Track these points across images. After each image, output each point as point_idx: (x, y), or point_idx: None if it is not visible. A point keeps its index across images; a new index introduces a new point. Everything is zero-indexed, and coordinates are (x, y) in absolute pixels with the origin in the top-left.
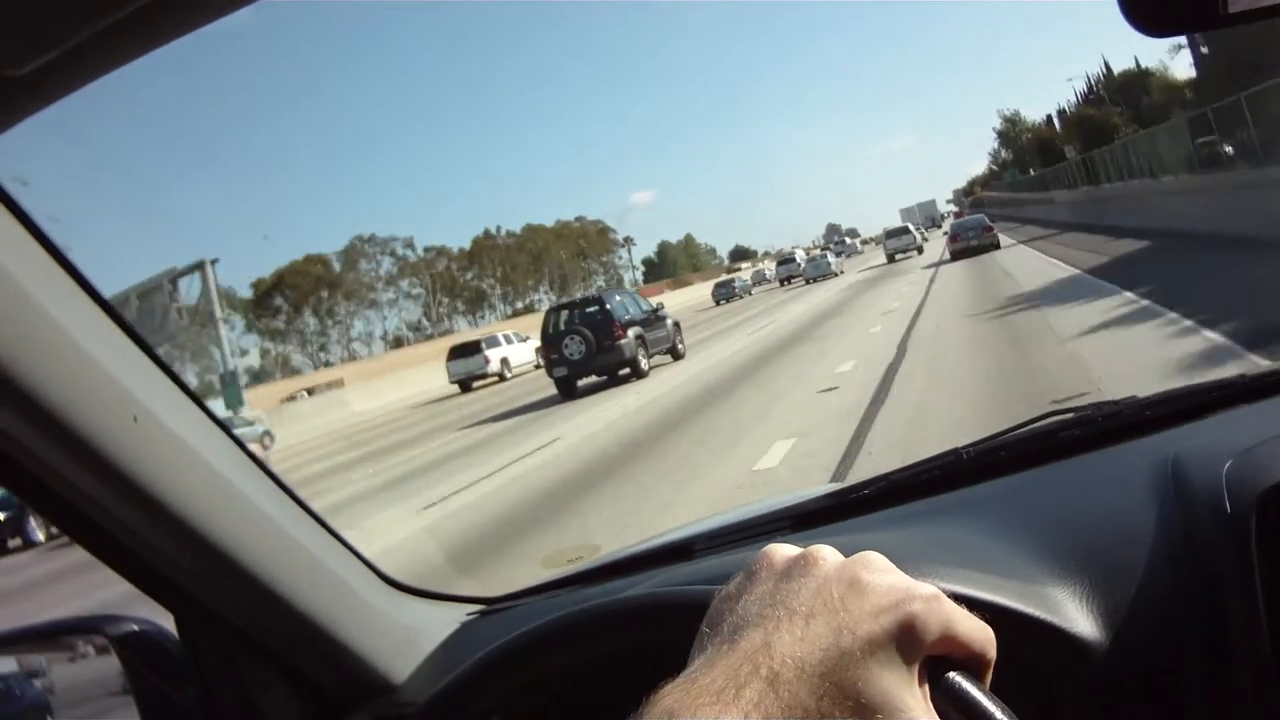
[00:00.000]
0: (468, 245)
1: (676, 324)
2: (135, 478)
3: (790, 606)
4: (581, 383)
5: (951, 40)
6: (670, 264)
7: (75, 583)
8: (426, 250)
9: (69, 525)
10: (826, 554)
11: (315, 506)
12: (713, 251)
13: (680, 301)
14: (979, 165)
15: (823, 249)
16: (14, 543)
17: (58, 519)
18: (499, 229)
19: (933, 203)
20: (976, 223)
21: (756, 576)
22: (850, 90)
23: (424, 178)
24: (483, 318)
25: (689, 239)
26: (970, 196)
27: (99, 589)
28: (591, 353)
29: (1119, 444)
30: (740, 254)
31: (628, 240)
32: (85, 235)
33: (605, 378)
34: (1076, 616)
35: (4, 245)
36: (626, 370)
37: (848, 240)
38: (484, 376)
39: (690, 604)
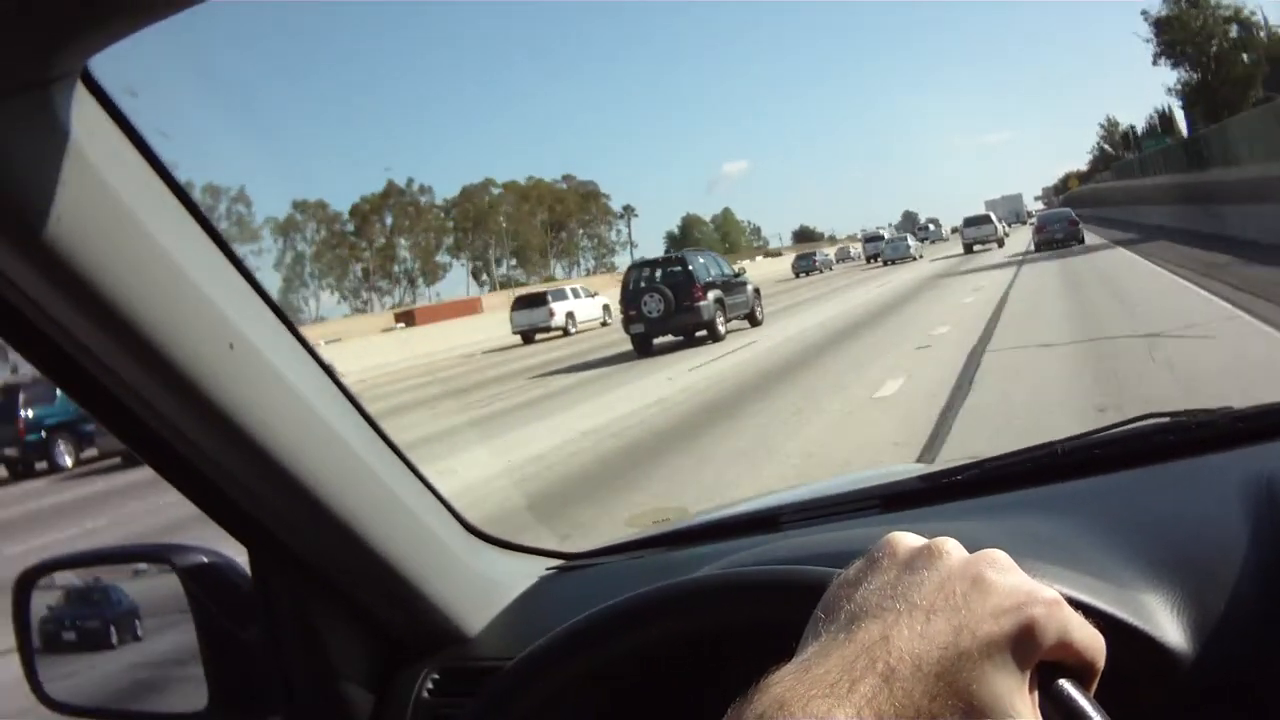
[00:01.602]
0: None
1: (756, 290)
2: (226, 407)
3: (911, 600)
4: (657, 341)
5: (1065, 39)
6: (694, 243)
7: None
8: (297, 206)
9: (148, 452)
10: (951, 547)
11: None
12: (757, 231)
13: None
14: (1074, 164)
15: (906, 233)
16: (40, 465)
17: (137, 444)
18: (410, 183)
19: (1019, 197)
20: (1062, 216)
21: (878, 565)
22: (956, 81)
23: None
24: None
25: (727, 214)
26: (1062, 194)
27: (131, 521)
28: (670, 312)
29: (1214, 453)
30: (805, 235)
31: (627, 210)
32: (194, 153)
33: (681, 338)
34: (1167, 626)
35: (108, 158)
36: (703, 332)
37: (931, 227)
38: (548, 330)
39: (806, 585)
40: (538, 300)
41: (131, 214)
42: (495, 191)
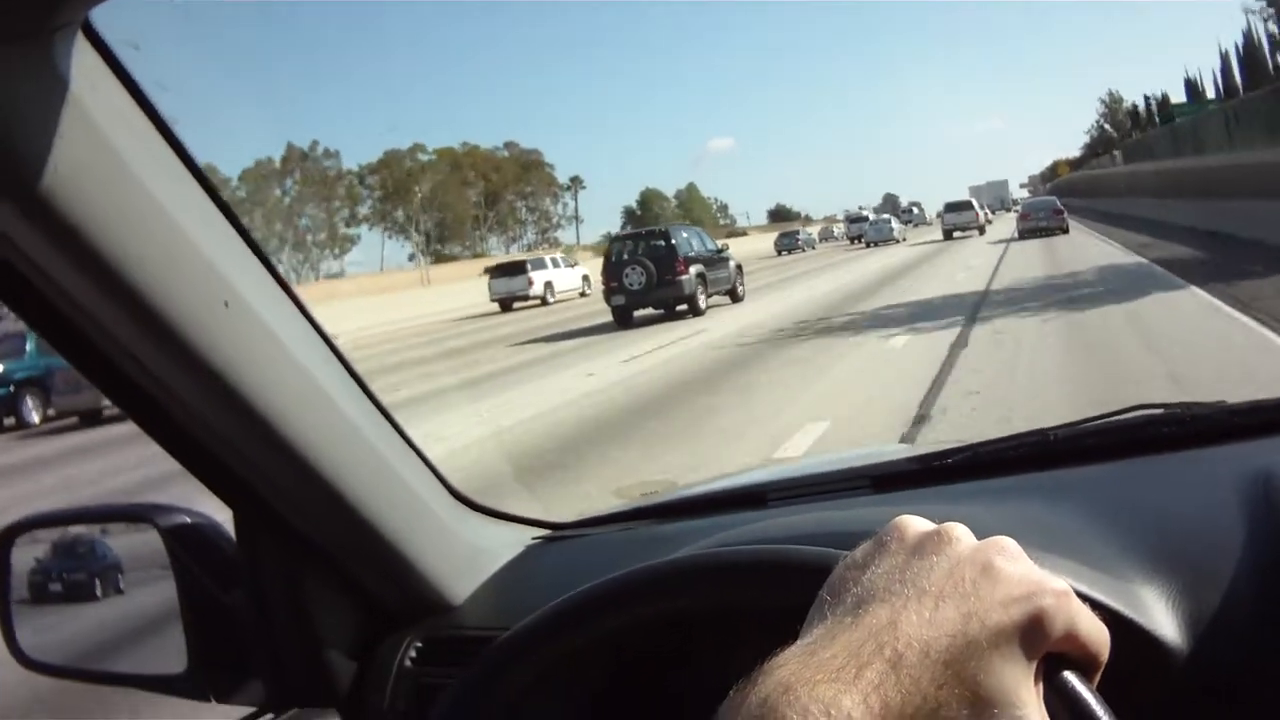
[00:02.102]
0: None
1: (739, 267)
2: (218, 365)
3: (920, 585)
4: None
5: (1061, 27)
6: (654, 220)
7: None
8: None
9: (136, 410)
10: (960, 533)
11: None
12: (724, 209)
13: None
14: (1064, 152)
15: (889, 215)
16: (8, 421)
17: (126, 402)
18: (315, 145)
19: (1005, 183)
20: (1047, 204)
21: (886, 548)
22: (946, 66)
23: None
24: None
25: (692, 190)
26: (1050, 182)
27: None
28: (652, 285)
29: (1208, 447)
30: (781, 214)
31: (574, 182)
32: (192, 108)
33: (662, 311)
34: (1163, 621)
35: (108, 111)
36: (684, 306)
37: (914, 210)
38: (525, 298)
39: (810, 566)
40: (516, 269)
41: (129, 168)
42: (424, 158)
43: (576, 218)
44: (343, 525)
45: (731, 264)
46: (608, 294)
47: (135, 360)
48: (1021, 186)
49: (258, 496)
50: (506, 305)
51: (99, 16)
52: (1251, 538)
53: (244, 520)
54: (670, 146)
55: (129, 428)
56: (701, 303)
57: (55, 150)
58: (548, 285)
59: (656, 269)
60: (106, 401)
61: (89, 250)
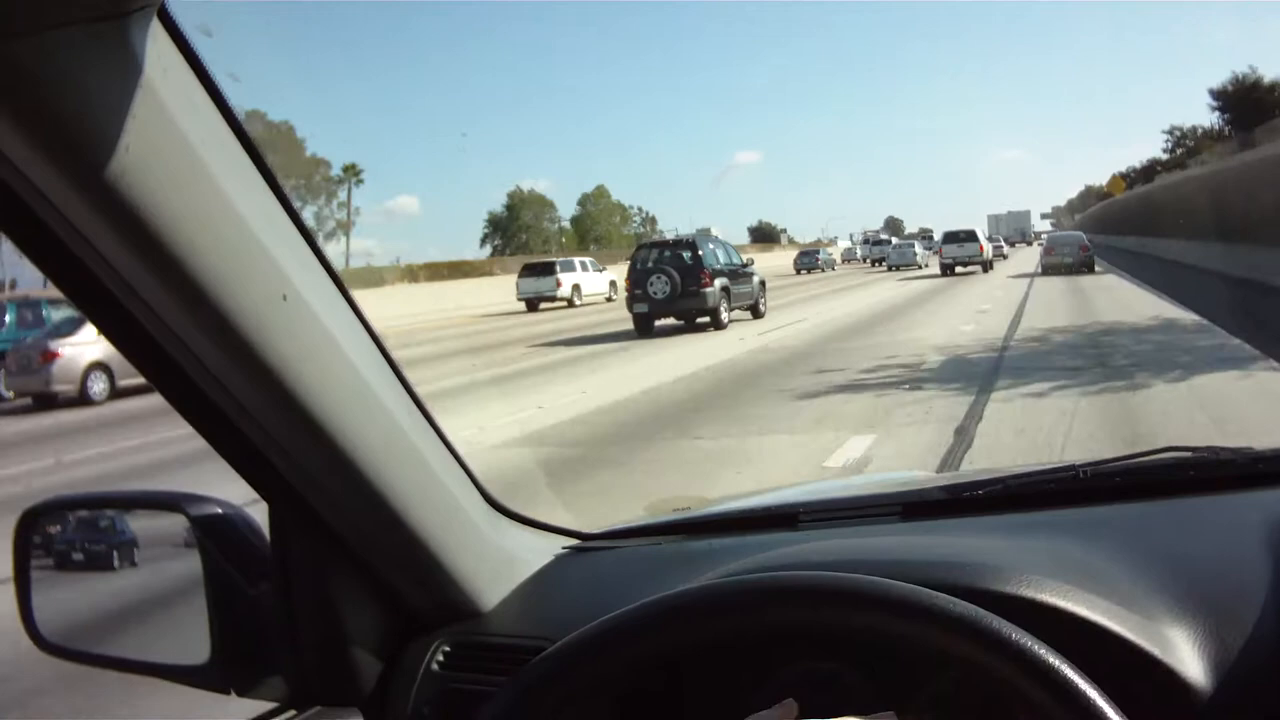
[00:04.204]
0: None
1: (762, 283)
2: (272, 359)
3: None
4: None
5: (1092, 57)
6: (519, 226)
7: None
8: None
9: (178, 398)
10: None
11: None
12: (649, 221)
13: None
14: (1094, 178)
15: (913, 241)
16: None
17: (168, 389)
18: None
19: (1026, 214)
20: (1073, 240)
21: None
22: (970, 95)
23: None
24: None
25: (600, 193)
26: (1080, 214)
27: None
28: (675, 295)
29: (1234, 492)
30: (763, 234)
31: (349, 172)
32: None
33: (683, 322)
34: (1189, 661)
35: (179, 98)
36: (706, 319)
37: (930, 238)
38: (553, 299)
39: (895, 600)
40: (545, 269)
41: (198, 156)
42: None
43: (349, 217)
44: (380, 524)
45: (755, 279)
46: (630, 301)
47: (186, 349)
48: (1044, 217)
49: (295, 491)
50: (533, 305)
51: (175, 2)
52: (1275, 583)
53: (278, 514)
54: (692, 158)
55: (86, 414)
56: (724, 316)
57: (126, 134)
58: (575, 288)
59: (681, 279)
60: (61, 385)
61: (152, 236)
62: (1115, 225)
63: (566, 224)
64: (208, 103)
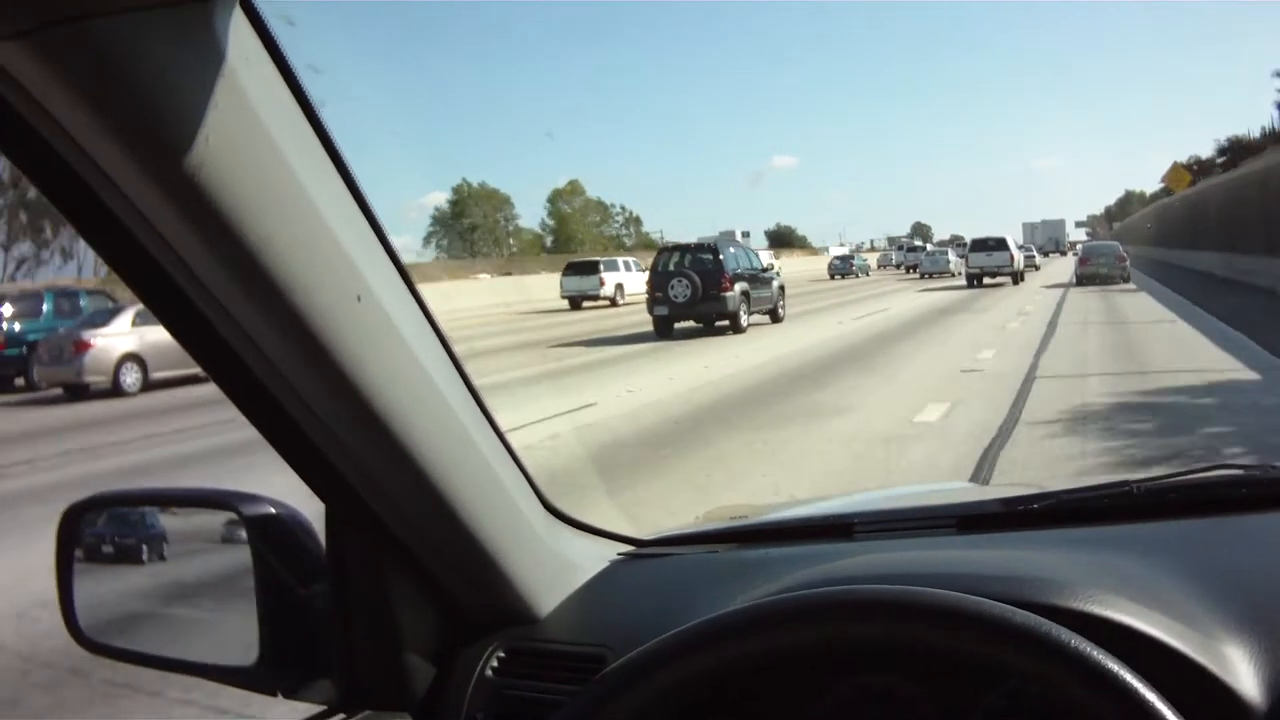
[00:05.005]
0: None
1: (782, 288)
2: (343, 359)
3: None
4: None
5: (1136, 64)
6: (463, 225)
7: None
8: None
9: (241, 396)
10: None
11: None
12: (632, 222)
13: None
14: (1133, 186)
15: (947, 248)
16: (19, 382)
17: (231, 387)
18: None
19: (1060, 223)
20: (1110, 250)
21: None
22: (1011, 101)
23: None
24: None
25: (574, 188)
26: (1117, 222)
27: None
28: (696, 298)
29: None
30: (780, 239)
31: None
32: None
33: (702, 325)
34: (1245, 679)
35: (260, 87)
36: (725, 323)
37: (963, 246)
38: (595, 298)
39: (983, 618)
40: (589, 268)
41: (277, 147)
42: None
43: None
44: (440, 527)
45: (775, 284)
46: (651, 303)
47: (254, 346)
48: (1079, 225)
49: (354, 492)
50: (576, 303)
51: None
52: None
53: (334, 515)
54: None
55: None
56: (743, 320)
57: (206, 123)
58: (618, 287)
59: (703, 283)
60: (93, 376)
61: (228, 230)
62: (1165, 235)
63: (521, 222)
64: (287, 94)
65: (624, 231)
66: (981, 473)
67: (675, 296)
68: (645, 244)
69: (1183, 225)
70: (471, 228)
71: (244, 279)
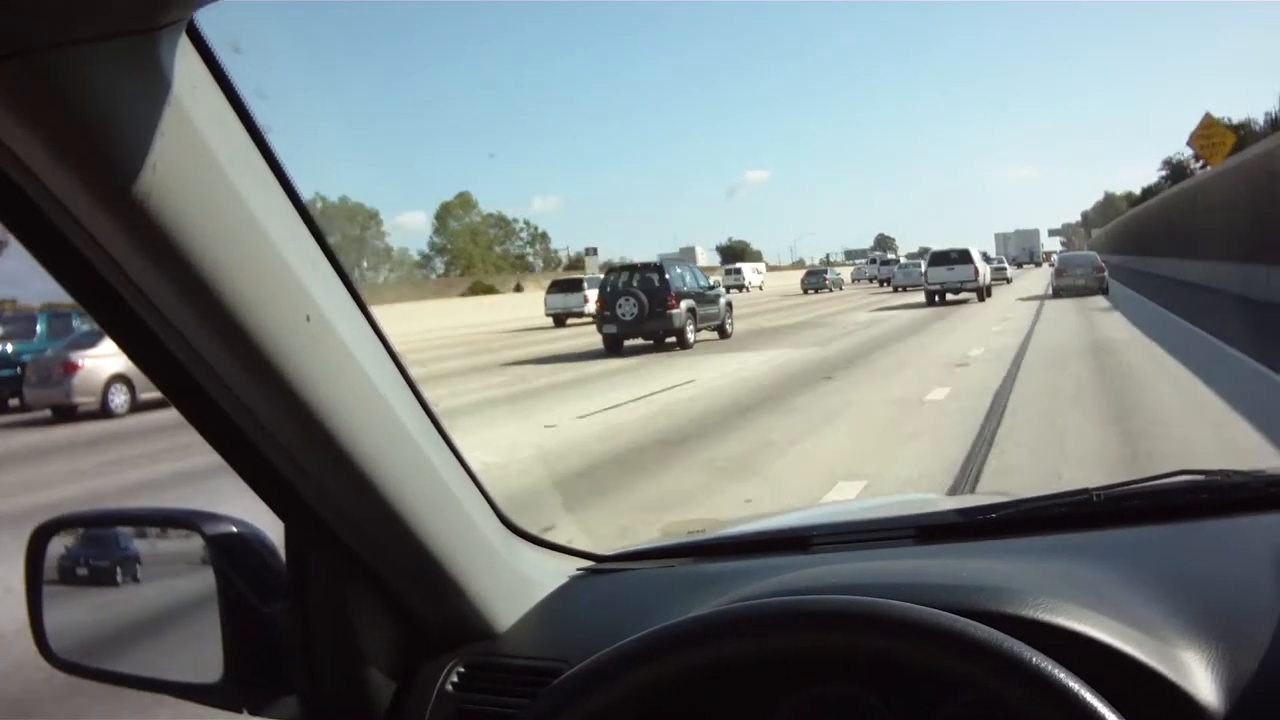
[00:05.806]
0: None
1: (729, 304)
2: (294, 379)
3: None
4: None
5: (1106, 71)
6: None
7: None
8: None
9: (197, 415)
10: None
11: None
12: (542, 237)
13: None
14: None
15: (920, 260)
16: (13, 402)
17: (188, 407)
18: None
19: (1034, 233)
20: (1087, 260)
21: None
22: (980, 109)
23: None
24: None
25: (465, 201)
26: (1096, 229)
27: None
28: (643, 316)
29: (1247, 515)
30: (732, 253)
31: None
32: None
33: (651, 342)
34: (1202, 684)
35: (207, 114)
36: (673, 339)
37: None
38: (580, 315)
39: (943, 632)
40: (573, 286)
41: (224, 173)
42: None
43: None
44: (397, 544)
45: (722, 301)
46: (599, 322)
47: (208, 367)
48: (1052, 234)
49: (312, 509)
50: (560, 320)
51: (203, 17)
52: None
53: (294, 533)
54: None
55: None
56: (690, 336)
57: (153, 150)
58: None
59: (649, 302)
60: (81, 397)
61: (178, 254)
62: (1149, 242)
63: (393, 245)
64: (235, 120)
65: (529, 249)
66: None
67: (623, 315)
68: (552, 262)
69: (1182, 225)
70: (337, 247)
71: (194, 301)
